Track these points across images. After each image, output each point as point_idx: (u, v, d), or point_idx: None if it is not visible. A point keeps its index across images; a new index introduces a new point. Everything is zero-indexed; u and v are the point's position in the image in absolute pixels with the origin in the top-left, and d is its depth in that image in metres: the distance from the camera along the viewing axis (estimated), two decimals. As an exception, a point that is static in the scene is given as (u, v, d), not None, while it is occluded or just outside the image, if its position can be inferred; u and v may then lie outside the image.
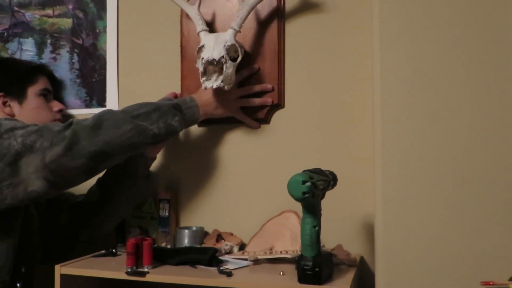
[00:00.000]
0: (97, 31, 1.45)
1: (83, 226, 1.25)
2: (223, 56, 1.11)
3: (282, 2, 1.26)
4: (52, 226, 1.25)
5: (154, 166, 1.32)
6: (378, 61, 0.93)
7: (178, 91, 1.33)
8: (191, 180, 1.33)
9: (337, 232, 1.19)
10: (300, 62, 1.26)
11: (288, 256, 1.06)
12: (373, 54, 0.95)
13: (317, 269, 0.90)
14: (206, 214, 1.32)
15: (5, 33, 1.55)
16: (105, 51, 1.43)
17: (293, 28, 1.27)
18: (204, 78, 1.14)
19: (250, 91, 1.24)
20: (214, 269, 1.03)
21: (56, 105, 1.32)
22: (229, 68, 1.12)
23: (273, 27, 1.25)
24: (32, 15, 1.53)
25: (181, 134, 1.35)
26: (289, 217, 1.17)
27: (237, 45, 1.16)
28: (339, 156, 1.22)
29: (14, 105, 1.23)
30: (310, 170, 0.95)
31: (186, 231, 1.23)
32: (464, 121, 0.88)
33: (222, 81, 1.12)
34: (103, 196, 1.24)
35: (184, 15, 1.33)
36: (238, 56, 1.16)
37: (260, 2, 1.19)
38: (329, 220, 1.10)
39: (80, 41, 1.47)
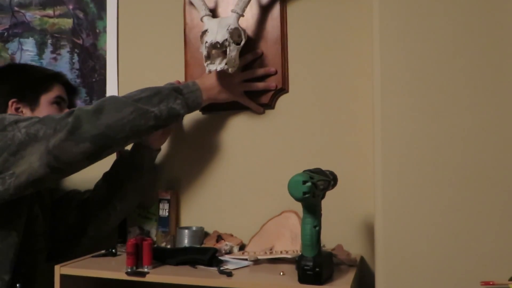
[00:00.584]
0: (97, 31, 1.45)
1: (90, 221, 1.25)
2: (226, 39, 1.11)
3: None
4: (61, 225, 1.25)
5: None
6: (378, 61, 0.93)
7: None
8: (191, 180, 1.33)
9: (337, 232, 1.19)
10: (299, 58, 1.26)
11: (288, 256, 1.06)
12: (373, 54, 0.95)
13: (317, 269, 0.90)
14: (206, 214, 1.31)
15: (5, 33, 1.55)
16: (105, 51, 1.43)
17: (295, 13, 1.27)
18: (208, 62, 1.14)
19: (253, 75, 1.24)
20: (214, 269, 1.03)
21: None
22: (232, 51, 1.12)
23: (275, 12, 1.25)
24: (32, 15, 1.53)
25: (180, 133, 1.34)
26: (289, 217, 1.17)
27: (240, 29, 1.16)
28: (339, 156, 1.22)
29: (27, 112, 1.23)
30: (310, 170, 0.95)
31: (186, 231, 1.22)
32: (464, 121, 0.88)
33: (226, 64, 1.12)
34: (110, 190, 1.24)
35: (187, 3, 1.33)
36: (242, 40, 1.16)
37: None
38: (329, 220, 1.10)
39: (80, 41, 1.47)
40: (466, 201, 0.87)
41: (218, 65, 1.12)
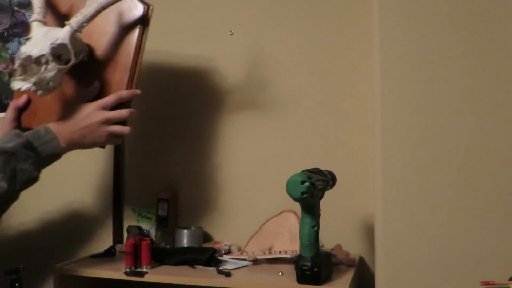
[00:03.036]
0: (97, 31, 1.44)
1: None
2: (44, 55, 0.92)
3: (148, 11, 1.08)
4: None
5: (153, 166, 1.32)
6: (378, 61, 0.93)
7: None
8: (190, 180, 1.33)
9: (336, 232, 1.19)
10: (299, 58, 1.26)
11: (287, 256, 1.06)
12: (373, 54, 0.95)
13: (315, 269, 0.90)
14: (205, 214, 1.31)
15: (5, 33, 1.55)
16: (105, 51, 1.43)
17: (290, 13, 1.26)
18: (17, 75, 0.93)
19: (122, 115, 1.01)
20: (213, 269, 1.03)
21: None
22: (50, 70, 0.93)
23: (134, 36, 1.06)
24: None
25: (179, 133, 1.34)
26: (288, 217, 1.17)
27: (70, 46, 0.96)
28: (339, 156, 1.21)
29: None
30: (308, 170, 0.95)
31: (185, 231, 1.22)
32: (464, 121, 0.88)
33: (34, 84, 0.91)
34: None
35: None
36: (70, 60, 0.96)
37: (113, 5, 1.00)
38: (328, 220, 1.10)
39: (79, 41, 1.47)
40: (466, 201, 0.87)
41: (25, 83, 0.92)
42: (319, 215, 0.94)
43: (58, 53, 0.95)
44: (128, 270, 1.02)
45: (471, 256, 0.86)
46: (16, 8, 1.54)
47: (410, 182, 0.90)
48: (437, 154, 0.89)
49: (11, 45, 1.54)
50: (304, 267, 0.90)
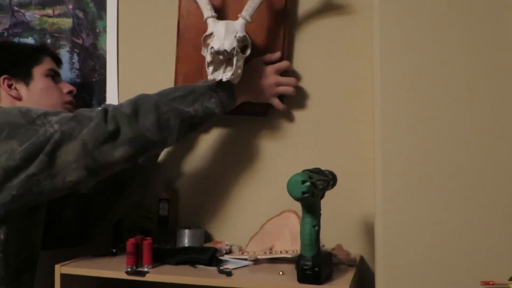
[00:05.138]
0: (97, 31, 1.45)
1: (94, 220, 1.22)
2: (234, 48, 1.05)
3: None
4: (57, 221, 1.21)
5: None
6: (378, 61, 0.93)
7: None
8: (191, 180, 1.33)
9: (337, 232, 1.19)
10: (299, 58, 1.26)
11: (288, 256, 1.06)
12: (373, 54, 0.95)
13: (316, 268, 0.90)
14: (205, 214, 1.31)
15: (5, 33, 1.55)
16: (105, 51, 1.43)
17: (294, 23, 1.27)
18: (211, 68, 1.07)
19: (291, 82, 1.20)
20: (214, 268, 1.03)
21: (66, 87, 1.25)
22: (239, 60, 1.07)
23: (279, 20, 1.21)
24: (32, 15, 1.53)
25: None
26: (289, 217, 1.17)
27: (247, 37, 1.10)
28: (339, 156, 1.22)
29: (21, 88, 1.17)
30: (309, 170, 0.95)
31: (186, 231, 1.22)
32: (464, 121, 0.88)
33: (232, 74, 1.06)
34: (109, 185, 1.21)
35: None
36: (248, 48, 1.11)
37: None
38: (329, 219, 1.10)
39: (80, 41, 1.47)
40: (466, 201, 0.87)
41: (223, 74, 1.06)
42: (320, 214, 0.94)
43: (240, 43, 1.08)
44: (129, 269, 1.02)
45: (471, 256, 0.86)
46: (16, 8, 1.54)
47: (410, 182, 0.90)
48: (437, 154, 0.89)
49: (11, 45, 1.54)
50: (305, 267, 0.91)
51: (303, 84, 1.26)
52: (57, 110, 1.01)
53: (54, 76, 1.23)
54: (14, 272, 1.04)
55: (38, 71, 1.20)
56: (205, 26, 1.12)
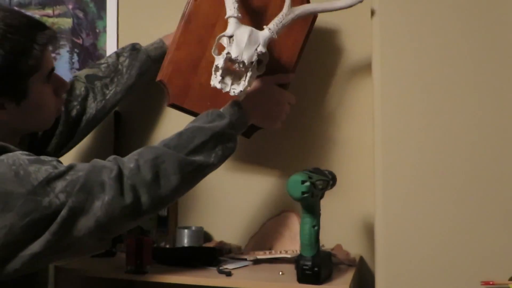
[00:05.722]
0: (97, 31, 1.45)
1: None
2: (252, 62, 0.94)
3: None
4: None
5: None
6: (379, 60, 0.93)
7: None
8: (191, 180, 1.33)
9: (337, 232, 1.19)
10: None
11: (288, 256, 1.06)
12: (373, 53, 0.95)
13: (316, 268, 0.90)
14: (205, 214, 1.31)
15: (5, 33, 1.55)
16: (105, 51, 1.43)
17: None
18: (218, 75, 0.94)
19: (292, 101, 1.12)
20: (213, 269, 1.03)
21: (61, 86, 1.00)
22: (252, 77, 0.96)
23: (297, 39, 1.12)
24: (32, 15, 1.53)
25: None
26: (288, 217, 1.17)
27: (267, 55, 0.99)
28: (339, 156, 1.22)
29: (10, 107, 0.90)
30: (309, 170, 0.95)
31: (186, 231, 1.22)
32: (464, 120, 0.88)
33: (241, 90, 0.94)
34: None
35: None
36: (264, 66, 1.01)
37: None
38: (328, 219, 1.10)
39: (80, 41, 1.47)
40: (466, 201, 0.87)
41: (231, 87, 0.94)
42: (319, 214, 0.94)
43: (259, 59, 0.97)
44: (129, 269, 1.02)
45: (471, 256, 0.86)
46: (16, 8, 1.54)
47: (410, 181, 0.90)
48: (438, 154, 0.89)
49: (11, 45, 1.55)
50: (304, 267, 0.91)
51: (303, 83, 1.26)
52: (61, 170, 0.82)
53: (59, 88, 1.00)
54: None
55: (35, 81, 0.92)
56: (215, 20, 1.05)
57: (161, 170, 0.86)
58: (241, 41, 0.93)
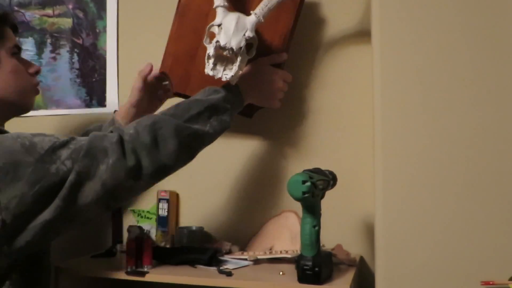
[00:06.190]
0: (97, 31, 1.45)
1: None
2: (241, 48, 0.98)
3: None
4: None
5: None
6: (379, 60, 0.93)
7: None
8: (190, 180, 1.33)
9: (337, 232, 1.19)
10: (299, 57, 1.26)
11: (288, 256, 1.06)
12: (373, 53, 0.95)
13: (316, 268, 0.90)
14: (205, 214, 1.31)
15: (5, 33, 1.55)
16: (105, 51, 1.44)
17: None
18: (211, 62, 0.99)
19: (288, 83, 1.15)
20: (214, 269, 1.03)
21: (31, 66, 1.08)
22: (242, 62, 1.00)
23: (286, 20, 1.15)
24: (32, 15, 1.53)
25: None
26: (289, 217, 1.17)
27: (256, 37, 1.03)
28: (339, 156, 1.22)
29: None
30: (310, 170, 0.95)
31: (186, 231, 1.22)
32: (464, 121, 0.88)
33: (232, 75, 0.98)
34: None
35: None
36: (253, 50, 1.04)
37: None
38: (329, 220, 1.10)
39: (80, 41, 1.47)
40: (466, 201, 0.87)
41: (223, 72, 0.99)
42: (320, 214, 0.94)
43: (247, 44, 1.01)
44: (129, 269, 1.02)
45: (471, 256, 0.86)
46: (16, 8, 1.54)
47: (410, 182, 0.90)
48: (438, 154, 0.89)
49: (11, 45, 1.55)
50: (305, 267, 0.91)
51: (303, 83, 1.26)
52: (64, 140, 0.88)
53: (18, 53, 1.07)
54: None
55: (3, 52, 1.02)
56: (208, 9, 1.08)
57: (159, 134, 0.90)
58: (228, 29, 0.98)
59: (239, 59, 0.99)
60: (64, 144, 0.87)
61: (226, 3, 1.02)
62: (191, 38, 1.13)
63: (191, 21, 1.14)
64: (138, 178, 0.88)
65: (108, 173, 0.85)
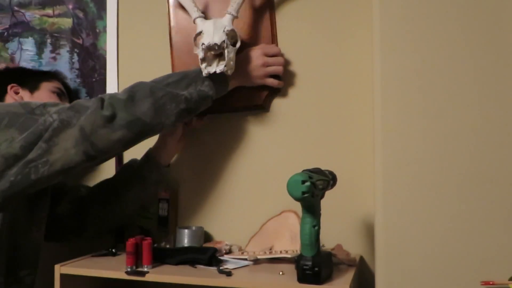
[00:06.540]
0: (97, 31, 1.45)
1: (90, 218, 1.22)
2: (224, 41, 1.09)
3: None
4: (53, 215, 1.19)
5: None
6: (379, 60, 0.93)
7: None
8: (191, 180, 1.33)
9: (337, 232, 1.19)
10: (299, 57, 1.26)
11: (288, 255, 1.06)
12: (373, 52, 0.95)
13: (316, 268, 0.90)
14: (205, 214, 1.31)
15: (5, 33, 1.55)
16: (105, 51, 1.43)
17: (285, 18, 1.27)
18: (204, 64, 1.10)
19: (279, 62, 1.23)
20: (213, 268, 1.03)
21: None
22: (230, 52, 1.10)
23: (266, 13, 1.26)
24: (32, 15, 1.53)
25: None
26: (288, 217, 1.17)
27: (235, 30, 1.14)
28: (339, 156, 1.22)
29: (25, 95, 1.23)
30: (309, 170, 0.95)
31: (186, 230, 1.22)
32: (464, 120, 0.88)
33: (225, 66, 1.09)
34: (111, 197, 1.22)
35: (172, 6, 1.32)
36: (237, 41, 1.15)
37: None
38: (328, 219, 1.10)
39: (80, 41, 1.47)
40: (466, 201, 0.87)
41: (217, 67, 1.10)
42: (319, 214, 0.94)
43: (229, 37, 1.11)
44: (129, 269, 1.02)
45: (471, 256, 0.86)
46: (16, 8, 1.54)
47: (410, 181, 0.90)
48: (438, 153, 0.89)
49: (11, 45, 1.54)
50: (305, 267, 0.91)
51: (302, 82, 1.26)
52: (56, 102, 1.07)
53: (60, 94, 1.29)
54: (10, 266, 1.04)
55: (46, 86, 1.27)
56: (194, 32, 1.17)
57: (136, 94, 1.04)
58: (209, 31, 1.11)
59: (226, 51, 1.09)
60: (54, 104, 1.03)
61: (201, 14, 1.17)
62: (191, 62, 1.24)
63: (186, 47, 1.30)
64: (113, 127, 1.00)
65: (86, 121, 0.99)
